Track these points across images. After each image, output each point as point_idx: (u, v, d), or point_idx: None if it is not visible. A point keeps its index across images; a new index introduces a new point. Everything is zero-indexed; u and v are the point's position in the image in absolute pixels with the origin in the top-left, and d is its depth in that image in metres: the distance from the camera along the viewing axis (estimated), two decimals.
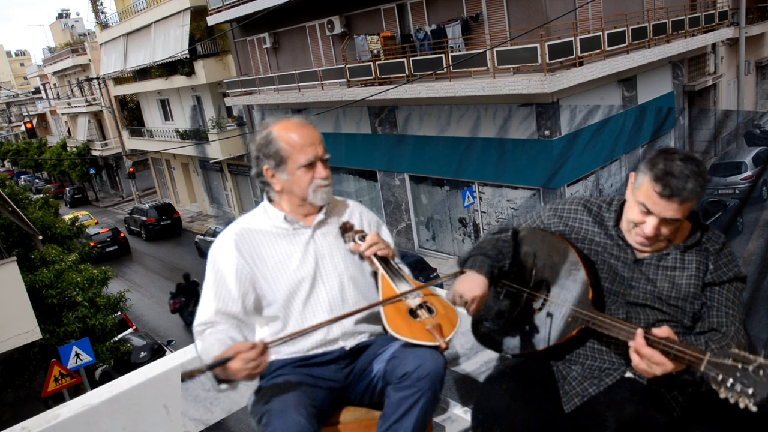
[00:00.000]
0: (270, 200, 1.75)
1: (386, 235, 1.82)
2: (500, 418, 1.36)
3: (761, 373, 1.07)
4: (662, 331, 1.25)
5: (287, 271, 1.65)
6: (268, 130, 1.66)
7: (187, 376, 1.38)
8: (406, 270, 1.77)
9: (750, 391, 1.07)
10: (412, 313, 1.59)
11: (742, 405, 1.08)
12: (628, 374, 1.44)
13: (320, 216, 1.72)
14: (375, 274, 1.75)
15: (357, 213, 1.83)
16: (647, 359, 1.25)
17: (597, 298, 1.49)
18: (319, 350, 1.66)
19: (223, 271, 1.62)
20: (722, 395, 1.11)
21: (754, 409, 1.07)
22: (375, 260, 1.70)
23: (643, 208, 1.44)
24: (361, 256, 1.73)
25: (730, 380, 1.09)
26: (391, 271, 1.69)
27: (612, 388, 1.43)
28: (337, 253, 1.72)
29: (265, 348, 1.41)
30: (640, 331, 1.27)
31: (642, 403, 1.39)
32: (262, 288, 1.64)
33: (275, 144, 1.64)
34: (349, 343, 1.68)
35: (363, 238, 1.71)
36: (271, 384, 1.58)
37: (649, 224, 1.44)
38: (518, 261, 1.67)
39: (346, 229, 1.75)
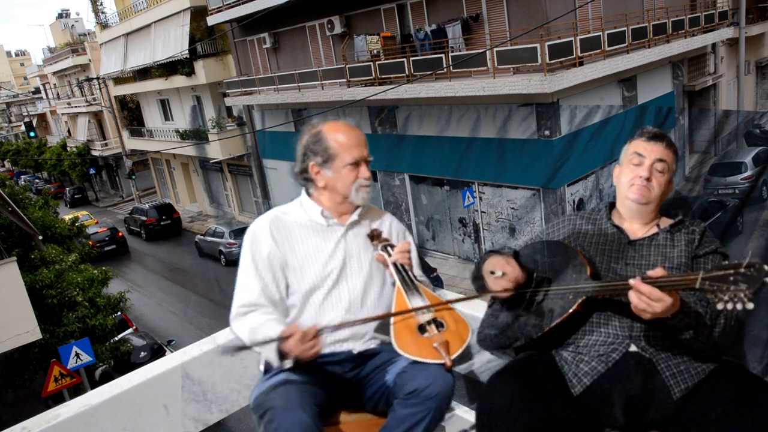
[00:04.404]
0: (308, 195, 1.79)
1: (412, 247, 1.85)
2: (506, 414, 1.37)
3: (751, 270, 1.14)
4: (656, 272, 1.31)
5: (315, 264, 1.69)
6: (318, 129, 1.73)
7: (238, 349, 1.44)
8: (425, 281, 1.79)
9: (743, 286, 1.13)
10: (421, 328, 1.60)
11: (740, 307, 1.14)
12: (633, 348, 1.46)
13: (354, 216, 1.77)
14: (394, 284, 1.78)
15: (387, 222, 1.87)
16: (646, 296, 1.28)
17: (595, 273, 1.55)
18: (327, 350, 1.66)
19: (259, 256, 1.67)
20: (720, 306, 1.16)
21: (750, 306, 1.13)
22: (393, 270, 1.72)
23: (635, 156, 1.61)
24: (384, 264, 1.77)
25: (725, 286, 1.16)
26: (406, 284, 1.70)
27: (618, 364, 1.45)
28: (364, 255, 1.76)
29: (317, 333, 1.46)
30: (637, 278, 1.33)
31: (648, 375, 1.42)
32: (289, 276, 1.69)
33: (324, 142, 1.70)
34: (357, 347, 1.69)
35: (385, 248, 1.74)
36: (276, 379, 1.58)
37: (644, 165, 1.59)
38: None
39: (373, 236, 1.78)
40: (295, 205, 1.79)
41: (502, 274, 1.57)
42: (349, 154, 1.69)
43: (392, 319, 1.65)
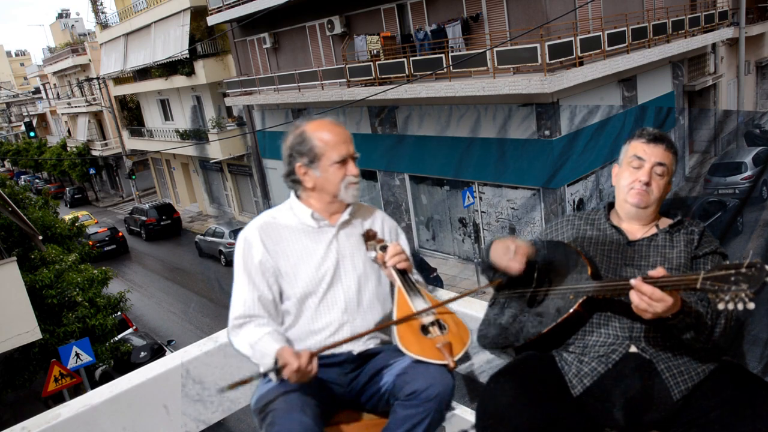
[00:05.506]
0: (297, 198, 1.76)
1: (404, 245, 1.84)
2: (506, 414, 1.37)
3: (752, 270, 1.14)
4: (657, 272, 1.31)
5: (308, 268, 1.67)
6: (302, 129, 1.70)
7: (237, 385, 1.45)
8: (421, 281, 1.79)
9: (744, 286, 1.13)
10: (424, 329, 1.60)
11: (741, 307, 1.13)
12: (633, 349, 1.46)
13: (345, 216, 1.74)
14: (391, 283, 1.77)
15: (379, 219, 1.85)
16: (648, 297, 1.28)
17: (595, 273, 1.55)
18: (326, 352, 1.66)
19: (251, 264, 1.65)
20: (721, 306, 1.16)
21: (751, 306, 1.12)
22: (394, 272, 1.71)
23: (635, 159, 1.60)
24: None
25: (726, 286, 1.16)
26: (408, 285, 1.70)
27: (618, 365, 1.45)
28: (357, 255, 1.74)
29: (311, 357, 1.46)
30: (638, 277, 1.33)
31: (648, 377, 1.42)
32: (283, 283, 1.67)
33: (309, 142, 1.67)
34: (356, 348, 1.69)
35: (384, 249, 1.72)
36: (276, 382, 1.58)
37: (644, 169, 1.58)
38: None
39: (369, 236, 1.76)
40: (284, 209, 1.76)
41: (515, 248, 1.58)
42: (336, 152, 1.66)
43: (395, 318, 1.65)
